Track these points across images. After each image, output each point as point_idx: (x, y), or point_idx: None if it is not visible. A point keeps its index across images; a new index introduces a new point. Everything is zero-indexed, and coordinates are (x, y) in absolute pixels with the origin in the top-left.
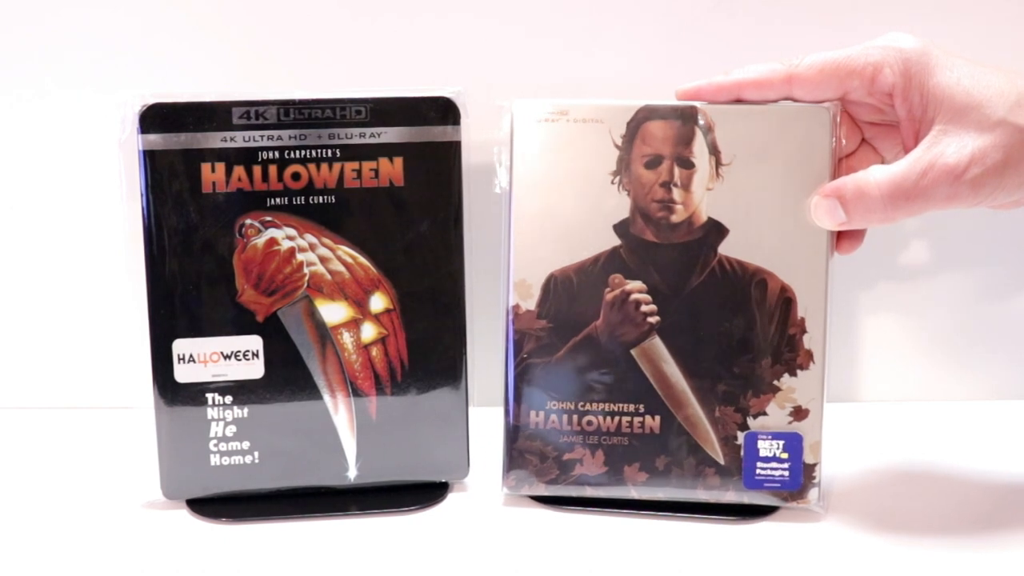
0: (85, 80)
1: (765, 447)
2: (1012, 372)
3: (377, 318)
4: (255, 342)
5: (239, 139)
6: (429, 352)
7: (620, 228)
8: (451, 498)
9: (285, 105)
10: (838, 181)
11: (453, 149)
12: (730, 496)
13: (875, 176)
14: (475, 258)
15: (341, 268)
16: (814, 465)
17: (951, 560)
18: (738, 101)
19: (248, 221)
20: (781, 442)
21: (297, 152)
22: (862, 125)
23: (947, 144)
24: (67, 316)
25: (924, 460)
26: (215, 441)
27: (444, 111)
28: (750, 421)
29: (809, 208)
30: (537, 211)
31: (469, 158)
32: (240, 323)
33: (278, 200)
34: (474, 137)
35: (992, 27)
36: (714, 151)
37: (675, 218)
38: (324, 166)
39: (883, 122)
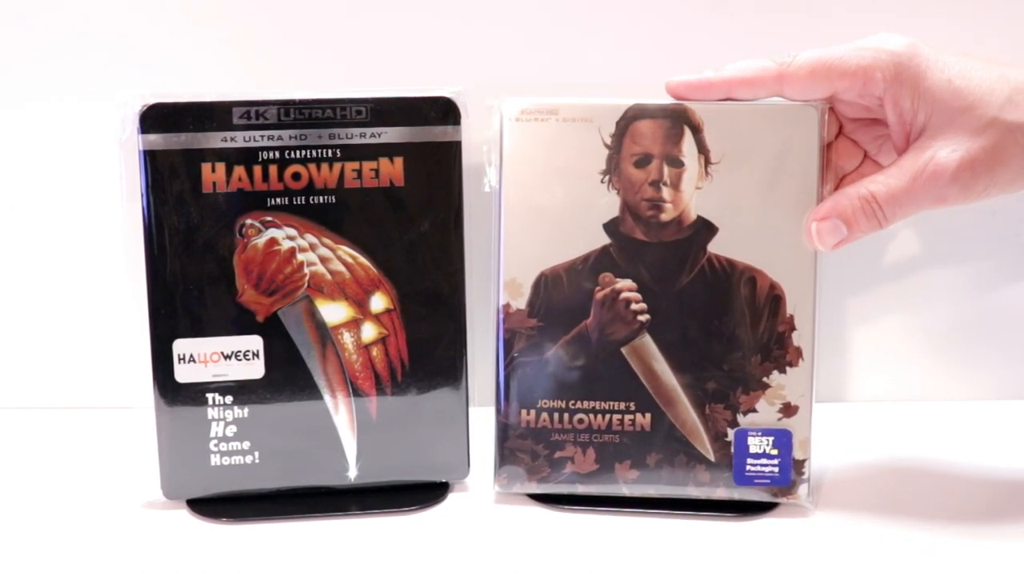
0: (85, 80)
1: (755, 443)
2: (1006, 371)
3: (377, 318)
4: (255, 342)
5: (239, 139)
6: (429, 352)
7: (610, 227)
8: (451, 498)
9: (285, 105)
10: (831, 201)
11: (453, 149)
12: (720, 492)
13: (870, 188)
14: (475, 258)
15: (341, 268)
16: (803, 461)
17: (941, 555)
18: (728, 99)
19: (248, 221)
20: (771, 438)
21: (297, 152)
22: (843, 120)
23: (937, 148)
24: (67, 316)
25: (914, 459)
26: (215, 441)
27: (444, 111)
28: (740, 418)
29: (809, 234)
30: (527, 210)
31: (469, 158)
32: (240, 323)
33: (278, 200)
34: (474, 137)
35: (986, 22)
36: (703, 150)
37: (664, 217)
38: (324, 166)
39: (866, 117)
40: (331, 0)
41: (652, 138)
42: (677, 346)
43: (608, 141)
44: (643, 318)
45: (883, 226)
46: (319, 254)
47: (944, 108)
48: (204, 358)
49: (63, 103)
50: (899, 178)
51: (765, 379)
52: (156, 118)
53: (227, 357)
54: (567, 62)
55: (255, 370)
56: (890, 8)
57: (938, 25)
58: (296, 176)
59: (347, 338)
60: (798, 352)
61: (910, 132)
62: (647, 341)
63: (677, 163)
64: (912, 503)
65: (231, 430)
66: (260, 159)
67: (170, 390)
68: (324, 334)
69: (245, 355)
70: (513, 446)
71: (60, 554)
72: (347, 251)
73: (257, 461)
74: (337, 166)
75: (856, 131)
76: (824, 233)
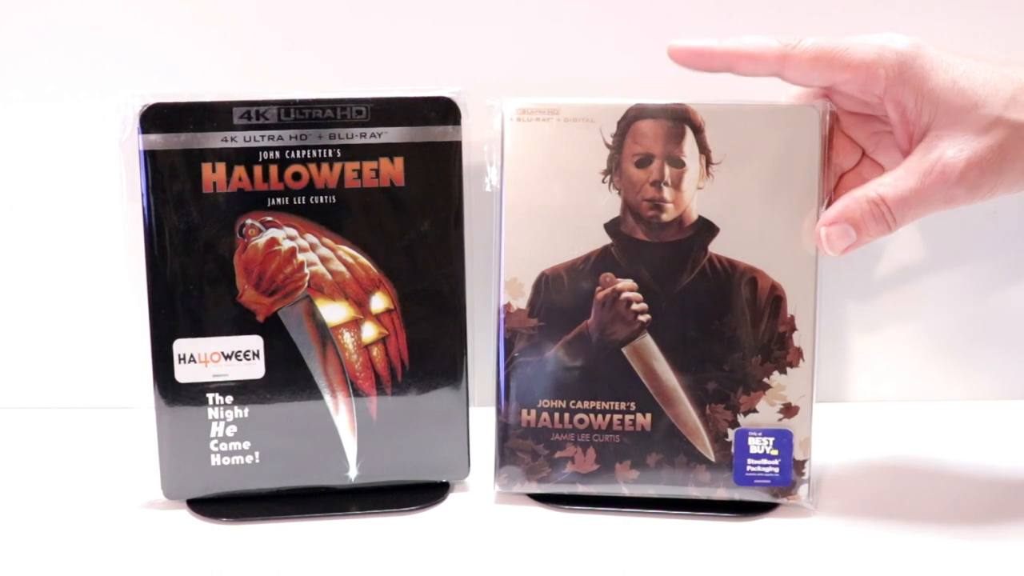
0: (85, 80)
1: (755, 444)
2: (1006, 372)
3: (378, 318)
4: (256, 342)
5: (240, 139)
6: (429, 352)
7: (611, 227)
8: (451, 498)
9: (285, 105)
10: (840, 205)
11: (453, 149)
12: (721, 493)
13: (878, 191)
14: (475, 258)
15: (342, 268)
16: (804, 462)
17: (941, 555)
18: (728, 71)
19: (249, 221)
20: (771, 439)
21: (298, 152)
22: (841, 114)
23: (944, 148)
24: (67, 316)
25: (914, 459)
26: (216, 441)
27: (444, 111)
28: (740, 418)
29: (817, 238)
30: (528, 210)
31: (469, 158)
32: (241, 323)
33: (279, 200)
34: (474, 137)
35: (989, 21)
36: (704, 150)
37: (665, 217)
38: (325, 166)
39: (862, 112)
40: (331, 0)
41: (653, 138)
42: (678, 346)
43: (609, 141)
44: (644, 318)
45: (892, 229)
46: (319, 254)
47: (948, 108)
48: (204, 358)
49: (63, 103)
50: (907, 180)
51: (766, 379)
52: (156, 118)
53: (227, 357)
54: (568, 62)
55: (255, 370)
56: (891, 7)
57: (938, 27)
58: (296, 176)
59: (347, 338)
60: (799, 353)
61: (913, 132)
62: (648, 341)
63: (678, 163)
64: (912, 503)
65: (231, 430)
66: (260, 159)
67: (170, 390)
68: (324, 334)
69: (245, 355)
70: (513, 446)
71: (60, 554)
72: (347, 251)
73: (257, 461)
74: (337, 166)
75: (851, 126)
76: (833, 238)
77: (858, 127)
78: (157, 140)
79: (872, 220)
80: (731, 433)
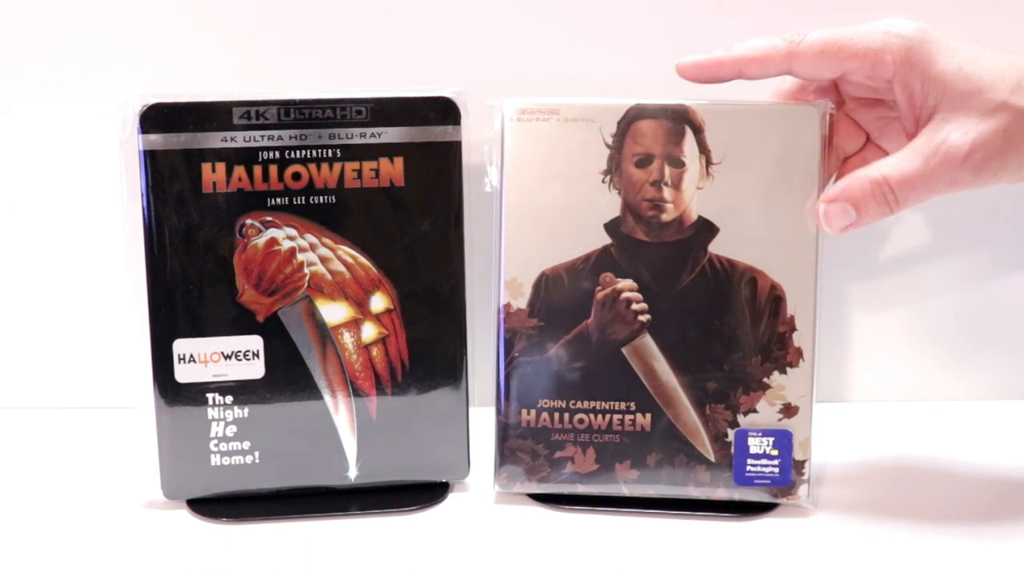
0: (85, 80)
1: (755, 444)
2: (1006, 371)
3: (377, 318)
4: (255, 342)
5: (239, 139)
6: (429, 352)
7: (611, 227)
8: (451, 498)
9: (285, 105)
10: (842, 183)
11: (453, 149)
12: (720, 493)
13: (882, 171)
14: (475, 258)
15: (341, 268)
16: (804, 462)
17: (941, 555)
18: (738, 78)
19: (249, 221)
20: (771, 439)
21: (297, 152)
22: (846, 98)
23: (949, 131)
24: (67, 316)
25: (914, 458)
26: (215, 441)
27: (444, 111)
28: (740, 418)
29: (816, 215)
30: (528, 210)
31: (469, 158)
32: (241, 323)
33: (278, 200)
34: (474, 137)
35: (991, 18)
36: (704, 150)
37: (665, 217)
38: (324, 166)
39: (870, 97)
40: (331, 0)
41: (653, 138)
42: (677, 346)
43: (609, 141)
44: (644, 318)
45: (894, 211)
46: (319, 254)
47: (954, 92)
48: (204, 358)
49: (63, 103)
50: (912, 161)
51: (765, 379)
52: (156, 118)
53: (227, 357)
54: (568, 62)
55: (255, 370)
56: (891, 8)
57: (938, 26)
58: (296, 176)
59: (347, 338)
60: (798, 353)
61: (920, 116)
62: (647, 341)
63: (678, 163)
64: (912, 503)
65: (231, 430)
66: (260, 159)
67: (170, 390)
68: (324, 334)
69: (245, 355)
70: (513, 446)
71: (60, 554)
72: (347, 251)
73: (257, 461)
74: (337, 166)
75: (857, 110)
76: (832, 216)
77: (864, 111)
78: (157, 140)
79: (874, 201)
80: (731, 433)
